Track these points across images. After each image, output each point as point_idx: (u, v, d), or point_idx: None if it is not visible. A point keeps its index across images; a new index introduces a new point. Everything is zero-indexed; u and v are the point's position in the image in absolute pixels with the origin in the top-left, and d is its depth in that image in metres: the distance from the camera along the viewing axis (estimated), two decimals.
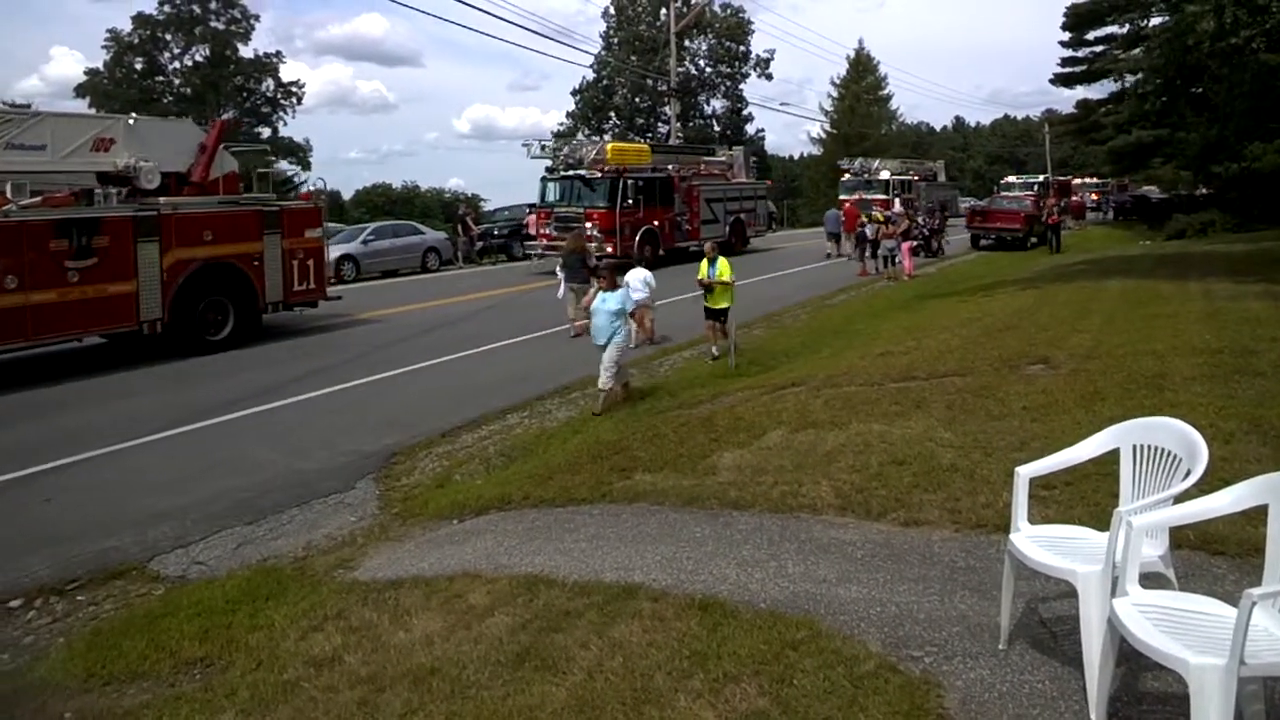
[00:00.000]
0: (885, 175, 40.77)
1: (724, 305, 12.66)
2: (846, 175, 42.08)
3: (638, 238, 25.30)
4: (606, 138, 40.16)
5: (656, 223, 26.39)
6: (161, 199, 14.03)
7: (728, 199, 30.78)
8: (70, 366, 13.30)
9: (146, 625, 5.24)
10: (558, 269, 16.19)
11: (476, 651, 4.17)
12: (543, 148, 26.57)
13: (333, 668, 4.28)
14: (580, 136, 27.06)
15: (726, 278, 12.66)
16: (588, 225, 24.12)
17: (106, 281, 13.02)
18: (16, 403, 11.11)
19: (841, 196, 40.62)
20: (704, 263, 12.89)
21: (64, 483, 8.19)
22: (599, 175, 25.19)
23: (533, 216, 28.45)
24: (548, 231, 25.69)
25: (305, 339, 15.59)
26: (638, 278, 12.93)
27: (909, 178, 42.15)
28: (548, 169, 26.49)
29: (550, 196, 26.21)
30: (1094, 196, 57.11)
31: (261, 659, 4.54)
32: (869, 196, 38.78)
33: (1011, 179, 55.50)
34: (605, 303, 10.18)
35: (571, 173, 25.65)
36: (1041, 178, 53.40)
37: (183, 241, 13.98)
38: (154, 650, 4.86)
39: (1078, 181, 62.44)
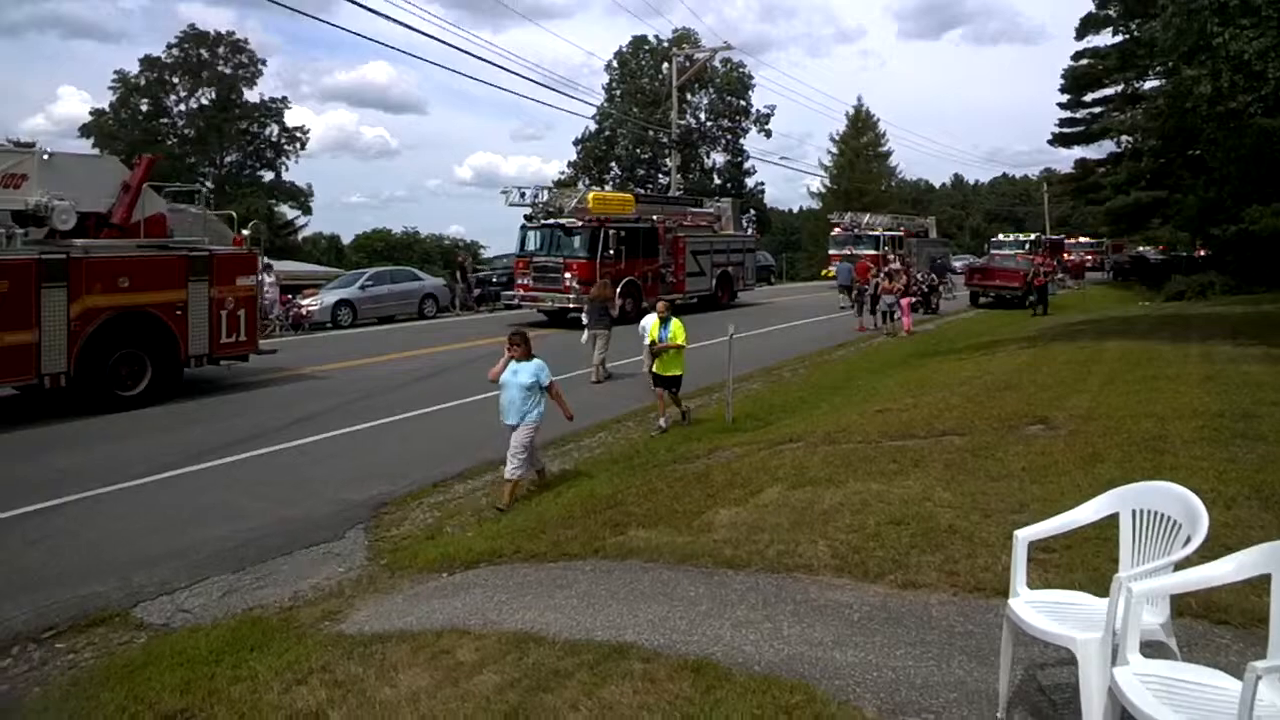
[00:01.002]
0: (876, 231, 40.75)
1: (675, 372, 11.65)
2: (836, 230, 42.06)
3: (619, 290, 23.65)
4: (606, 187, 40.45)
5: (639, 274, 25.66)
6: (76, 241, 13.03)
7: (715, 251, 30.10)
8: None
9: (126, 675, 5.12)
10: (583, 315, 16.86)
11: (464, 710, 4.07)
12: (521, 195, 25.84)
13: None
14: (579, 185, 26.17)
15: (680, 341, 11.57)
16: (566, 276, 23.88)
17: (1, 330, 11.84)
18: None
19: (831, 251, 41.08)
20: (654, 323, 11.78)
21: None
22: (579, 224, 24.59)
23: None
24: (525, 282, 25.20)
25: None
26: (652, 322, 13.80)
27: (899, 233, 42.22)
28: (526, 217, 25.95)
29: (530, 245, 25.61)
30: (1088, 257, 56.67)
31: (243, 712, 4.42)
32: (858, 252, 38.66)
33: (1002, 237, 55.95)
34: (517, 375, 8.58)
35: (551, 221, 25.10)
36: (1033, 236, 53.63)
37: (95, 288, 12.82)
38: (133, 702, 4.73)
39: (1071, 240, 62.49)
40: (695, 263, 28.74)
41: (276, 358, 16.60)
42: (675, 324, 11.61)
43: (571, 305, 23.13)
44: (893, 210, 53.82)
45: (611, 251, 24.51)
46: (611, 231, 24.61)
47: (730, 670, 4.19)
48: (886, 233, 40.92)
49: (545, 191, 25.61)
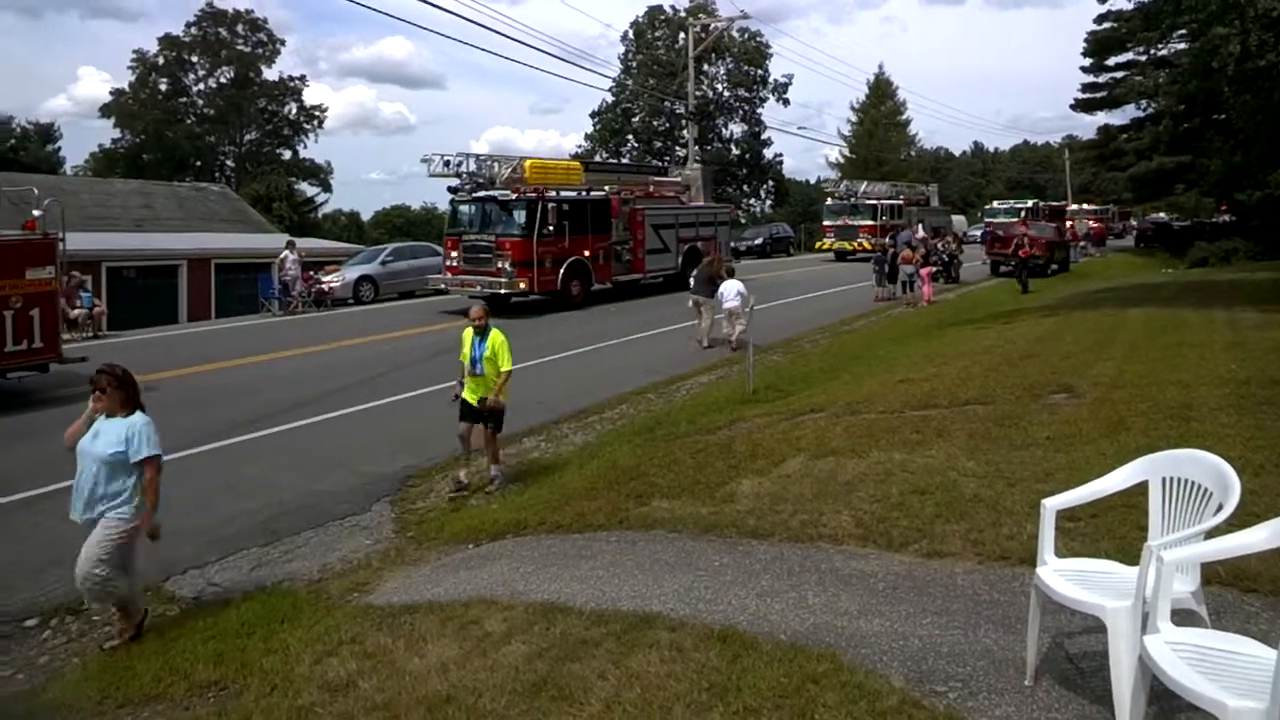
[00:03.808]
0: (872, 200, 39.04)
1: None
2: (830, 199, 40.41)
3: (562, 271, 21.64)
4: (624, 159, 39.66)
5: (588, 253, 22.55)
6: None
7: (681, 225, 26.54)
8: None
9: (160, 647, 5.22)
10: (691, 278, 17.37)
11: (492, 680, 4.12)
12: (445, 163, 21.91)
13: (347, 693, 4.24)
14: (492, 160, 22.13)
15: (501, 361, 8.47)
16: (498, 257, 20.93)
17: None
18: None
19: (825, 222, 39.80)
20: (467, 335, 8.69)
21: None
22: (514, 197, 21.23)
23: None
24: (455, 264, 22.03)
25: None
26: (733, 289, 15.49)
27: (898, 202, 40.54)
28: (451, 189, 22.47)
29: (461, 222, 22.36)
30: (1092, 225, 52.53)
31: (276, 683, 4.50)
32: (854, 222, 37.87)
33: (997, 204, 54.38)
34: (96, 440, 5.54)
35: (483, 194, 21.76)
36: (1029, 203, 51.62)
37: None
38: (168, 673, 4.83)
39: (1073, 208, 59.45)
40: (657, 238, 25.46)
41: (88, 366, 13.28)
42: (495, 337, 8.56)
43: (504, 290, 20.81)
44: (911, 178, 53.19)
45: (551, 227, 21.29)
46: (552, 205, 21.45)
47: (756, 639, 4.21)
48: (884, 201, 39.32)
49: (472, 159, 22.09)
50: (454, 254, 22.09)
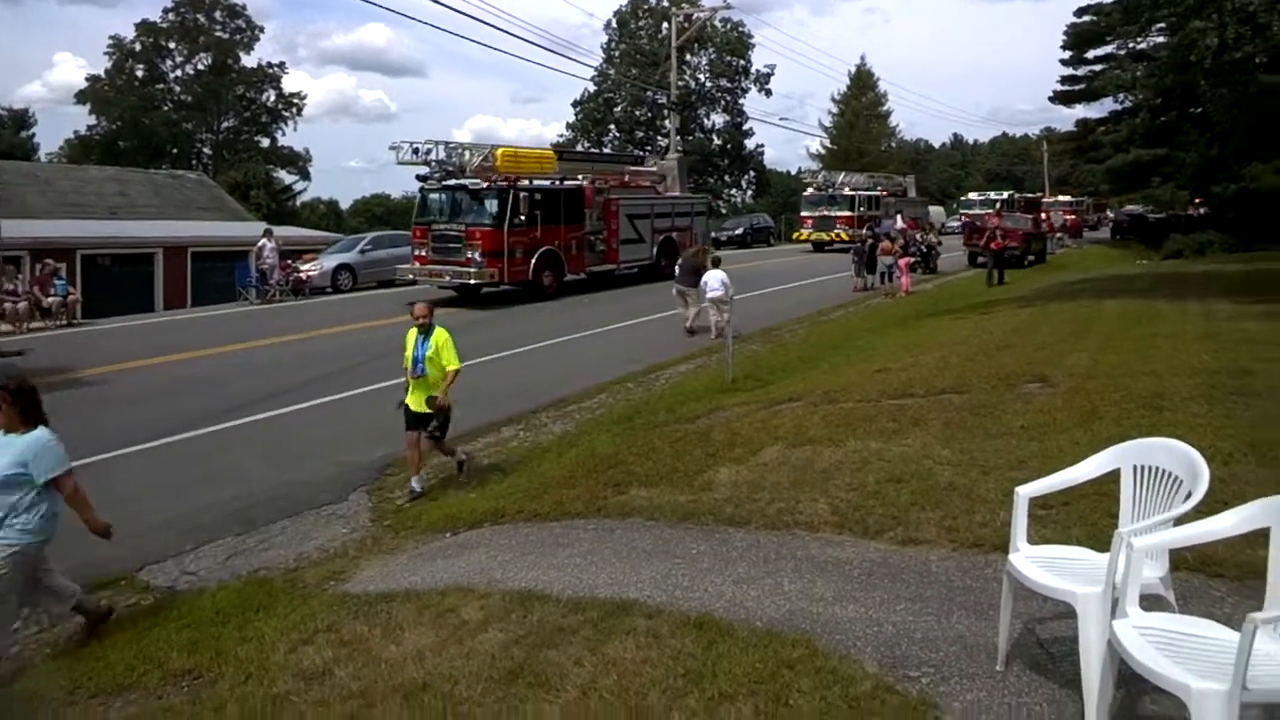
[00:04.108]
0: (851, 190, 38.94)
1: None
2: (810, 190, 40.30)
3: (534, 261, 21.33)
4: (605, 149, 39.48)
5: (560, 243, 22.22)
6: None
7: (656, 215, 26.22)
8: None
9: (134, 636, 5.19)
10: (677, 267, 17.76)
11: (469, 667, 4.12)
12: (414, 151, 21.46)
13: (323, 681, 4.23)
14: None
15: (446, 359, 8.08)
16: (468, 246, 20.52)
17: None
18: None
19: (803, 213, 39.56)
20: (410, 335, 8.19)
21: None
22: (484, 186, 20.91)
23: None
24: (423, 253, 21.58)
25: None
26: (716, 278, 15.49)
27: (876, 193, 40.52)
28: (420, 177, 22.06)
29: (430, 210, 21.94)
30: (1067, 216, 52.35)
31: (251, 671, 4.48)
32: (832, 213, 37.72)
33: (973, 196, 54.61)
34: None
35: (453, 182, 21.33)
36: (1005, 195, 51.69)
37: None
38: (141, 662, 4.80)
39: (1048, 199, 59.44)
40: (632, 229, 25.15)
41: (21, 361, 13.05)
42: (440, 336, 8.12)
43: (473, 281, 20.52)
44: (891, 170, 53.30)
45: (523, 217, 21.00)
46: (524, 194, 21.17)
47: (732, 626, 4.23)
48: (862, 192, 39.19)
49: (442, 147, 21.67)
50: (423, 243, 21.70)
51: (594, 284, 23.77)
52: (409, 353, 8.11)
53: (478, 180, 21.03)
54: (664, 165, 30.01)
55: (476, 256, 20.30)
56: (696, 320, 16.47)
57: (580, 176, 24.14)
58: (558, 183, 22.90)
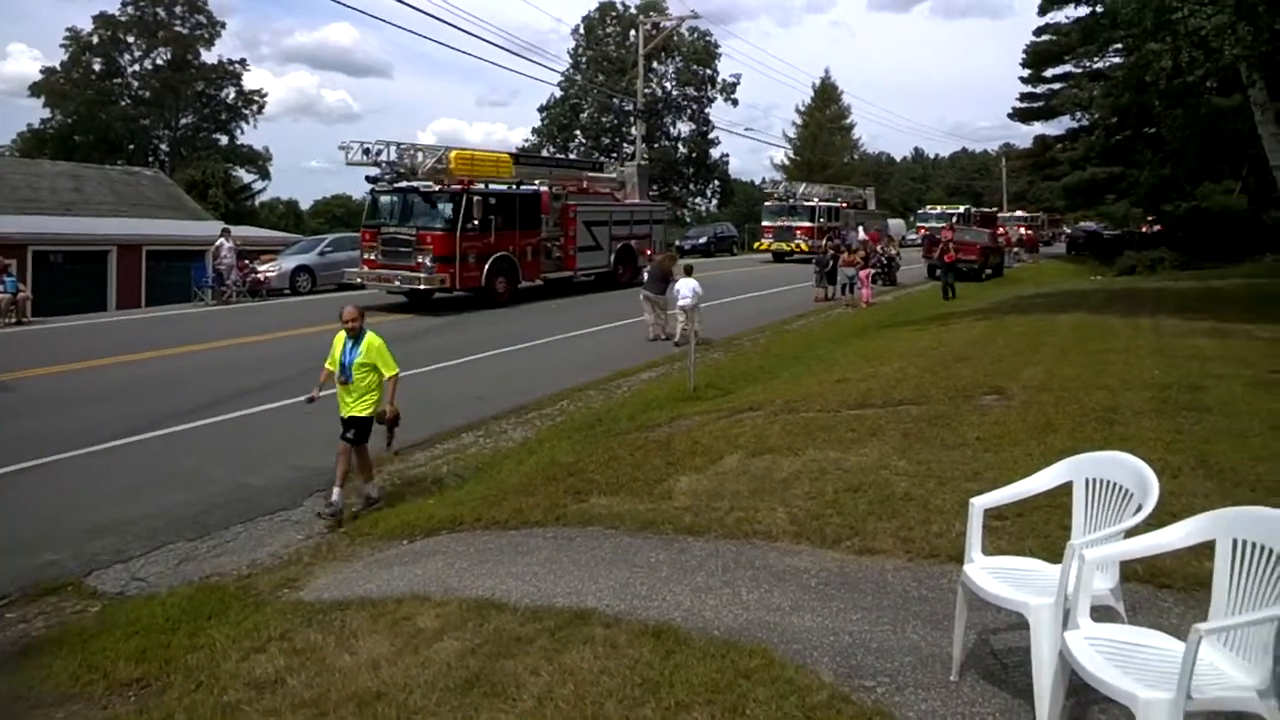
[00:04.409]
0: (811, 202, 39.04)
1: (365, 412, 7.68)
2: (771, 200, 40.20)
3: (487, 267, 20.74)
4: (571, 155, 39.39)
5: (515, 249, 21.72)
6: None
7: (615, 222, 25.94)
8: None
9: (80, 644, 5.07)
10: (645, 273, 18.11)
11: (424, 676, 4.08)
12: (365, 151, 20.75)
13: (275, 690, 4.17)
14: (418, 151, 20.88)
15: (384, 366, 7.70)
16: (419, 251, 19.99)
17: None
18: None
19: (764, 223, 39.50)
20: (338, 339, 7.81)
21: None
22: (436, 189, 20.42)
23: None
24: (373, 257, 20.96)
25: None
26: (689, 286, 15.82)
27: (836, 204, 40.56)
28: (369, 179, 21.31)
29: (381, 213, 21.33)
30: (1023, 231, 52.66)
31: (201, 680, 4.40)
32: (792, 224, 37.71)
33: (930, 209, 55.17)
34: None
35: (405, 185, 20.75)
36: (961, 209, 52.00)
37: None
38: (86, 671, 4.69)
39: (1004, 214, 60.03)
40: (589, 235, 24.78)
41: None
42: (372, 340, 7.74)
43: (423, 286, 20.00)
44: (853, 182, 53.81)
45: (476, 221, 20.38)
46: (478, 198, 20.51)
47: (690, 635, 4.23)
48: (822, 203, 39.23)
49: (393, 147, 21.03)
50: (372, 246, 21.08)
51: (551, 291, 23.57)
52: (336, 356, 7.77)
53: (430, 183, 20.53)
54: (624, 172, 29.73)
55: (427, 261, 19.82)
56: (666, 327, 16.53)
57: (538, 181, 23.70)
58: (514, 187, 22.47)
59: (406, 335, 16.02)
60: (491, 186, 21.54)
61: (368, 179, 21.36)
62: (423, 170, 20.51)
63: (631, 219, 26.97)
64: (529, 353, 15.49)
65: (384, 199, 21.24)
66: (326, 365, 7.88)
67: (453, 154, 20.89)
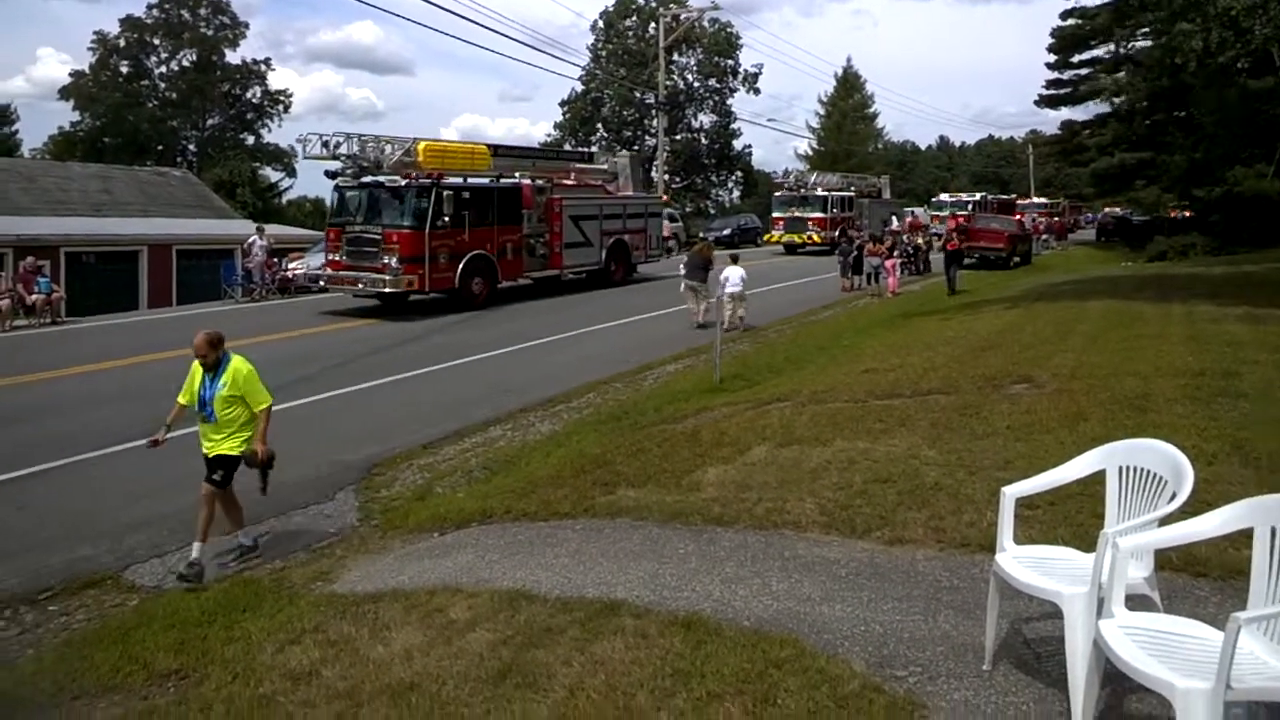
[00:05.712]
0: (823, 191, 38.21)
1: (235, 450, 6.61)
2: (781, 191, 39.51)
3: (461, 267, 19.28)
4: (593, 149, 39.15)
5: (492, 246, 20.18)
6: None
7: (606, 216, 24.25)
8: None
9: (119, 636, 5.14)
10: (681, 266, 18.09)
11: (456, 667, 4.11)
12: (324, 145, 19.48)
13: (310, 682, 4.22)
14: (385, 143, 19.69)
15: (253, 398, 6.67)
16: (385, 251, 18.50)
17: None
18: None
19: (775, 214, 38.68)
20: (195, 371, 6.66)
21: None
22: (404, 183, 18.78)
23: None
24: (337, 258, 19.47)
25: None
26: (736, 274, 16.83)
27: (849, 194, 39.79)
28: (329, 173, 19.89)
29: (348, 211, 19.74)
30: (1040, 219, 50.27)
31: (237, 672, 4.46)
32: (804, 214, 37.09)
33: (944, 197, 54.13)
34: None
35: (370, 180, 19.24)
36: (977, 196, 51.22)
37: None
38: (127, 662, 4.76)
39: (1023, 202, 58.83)
40: (578, 231, 23.24)
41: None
42: (239, 368, 6.64)
43: (388, 289, 18.65)
44: (875, 171, 53.34)
45: (448, 218, 18.84)
46: (448, 192, 18.93)
47: (720, 625, 4.24)
48: (835, 193, 38.35)
49: (356, 139, 19.62)
50: (336, 247, 19.58)
51: (537, 291, 22.58)
52: (193, 389, 6.62)
53: (395, 177, 19.03)
54: (615, 163, 28.01)
55: (393, 262, 18.33)
56: (707, 315, 16.53)
57: (519, 174, 21.99)
58: (492, 180, 20.88)
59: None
60: (467, 180, 20.12)
61: (327, 174, 20.04)
62: (389, 163, 19.27)
63: (624, 212, 25.26)
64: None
65: (350, 195, 19.83)
66: (180, 399, 6.72)
67: (421, 145, 19.78)
